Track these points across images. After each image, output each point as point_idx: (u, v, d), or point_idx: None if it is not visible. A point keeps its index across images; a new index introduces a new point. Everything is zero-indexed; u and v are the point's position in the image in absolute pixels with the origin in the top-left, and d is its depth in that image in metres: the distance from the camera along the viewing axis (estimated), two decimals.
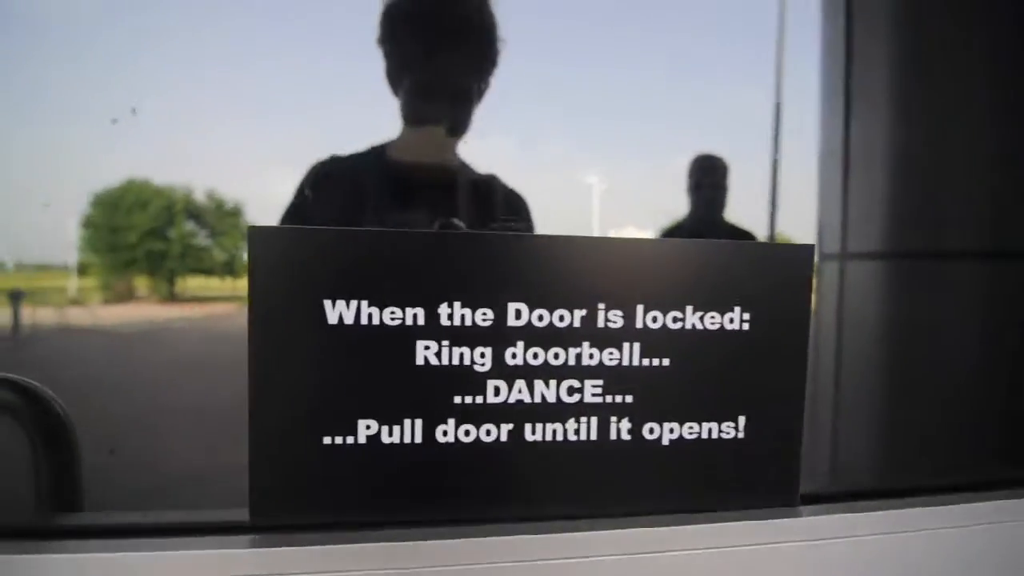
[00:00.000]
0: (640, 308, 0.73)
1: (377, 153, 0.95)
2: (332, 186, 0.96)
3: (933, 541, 0.82)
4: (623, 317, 0.73)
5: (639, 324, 0.73)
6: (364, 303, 0.68)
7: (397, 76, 0.93)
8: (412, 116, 0.94)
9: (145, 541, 0.68)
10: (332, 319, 0.68)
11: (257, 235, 0.67)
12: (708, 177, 1.11)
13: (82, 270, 0.79)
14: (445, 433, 0.71)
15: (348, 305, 0.68)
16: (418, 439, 0.70)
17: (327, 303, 0.68)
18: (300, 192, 0.95)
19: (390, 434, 0.70)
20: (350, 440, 0.69)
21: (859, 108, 1.03)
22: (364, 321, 0.68)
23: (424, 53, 0.95)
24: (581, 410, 0.73)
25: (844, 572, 0.80)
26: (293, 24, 0.84)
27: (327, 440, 0.69)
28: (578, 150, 0.91)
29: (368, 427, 0.69)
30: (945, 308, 1.05)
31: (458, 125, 0.95)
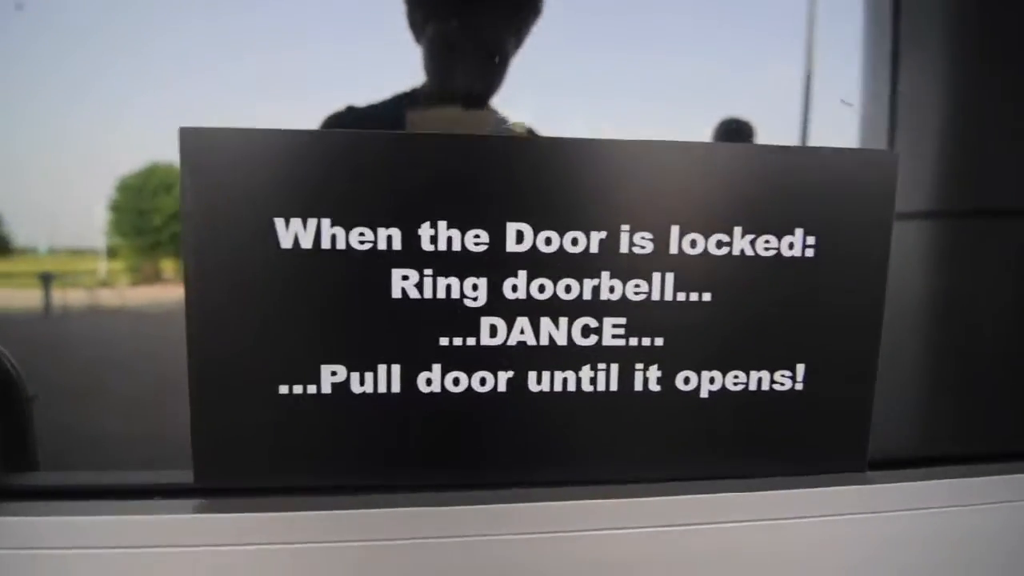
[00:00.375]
0: (675, 230, 0.58)
1: (398, 106, 0.81)
2: None
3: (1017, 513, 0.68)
4: (652, 241, 0.58)
5: (673, 250, 0.59)
6: (325, 222, 0.55)
7: (421, 23, 0.78)
8: (435, 68, 0.78)
9: (87, 504, 0.58)
10: (286, 242, 0.55)
11: (191, 138, 0.53)
12: (735, 140, 0.98)
13: (110, 253, 0.73)
14: (429, 382, 0.58)
15: (305, 225, 0.55)
16: (395, 388, 0.58)
17: (279, 222, 0.54)
18: None
19: (361, 382, 0.57)
20: (312, 390, 0.57)
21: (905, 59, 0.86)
22: (326, 244, 0.55)
23: None
24: (599, 355, 0.60)
25: (919, 549, 0.66)
26: (328, 5, 0.72)
27: (284, 389, 0.57)
28: (599, 121, 0.76)
29: (334, 374, 0.57)
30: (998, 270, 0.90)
31: (490, 80, 0.79)
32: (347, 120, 0.81)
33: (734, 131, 1.02)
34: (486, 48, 0.78)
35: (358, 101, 0.73)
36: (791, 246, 0.60)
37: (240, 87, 0.69)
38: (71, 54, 0.68)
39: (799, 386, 0.62)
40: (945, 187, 0.89)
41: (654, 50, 0.80)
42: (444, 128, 0.80)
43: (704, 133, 0.85)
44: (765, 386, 0.62)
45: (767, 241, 0.59)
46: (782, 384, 0.62)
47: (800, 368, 0.62)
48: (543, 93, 0.77)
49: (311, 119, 0.69)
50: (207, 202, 0.54)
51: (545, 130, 0.73)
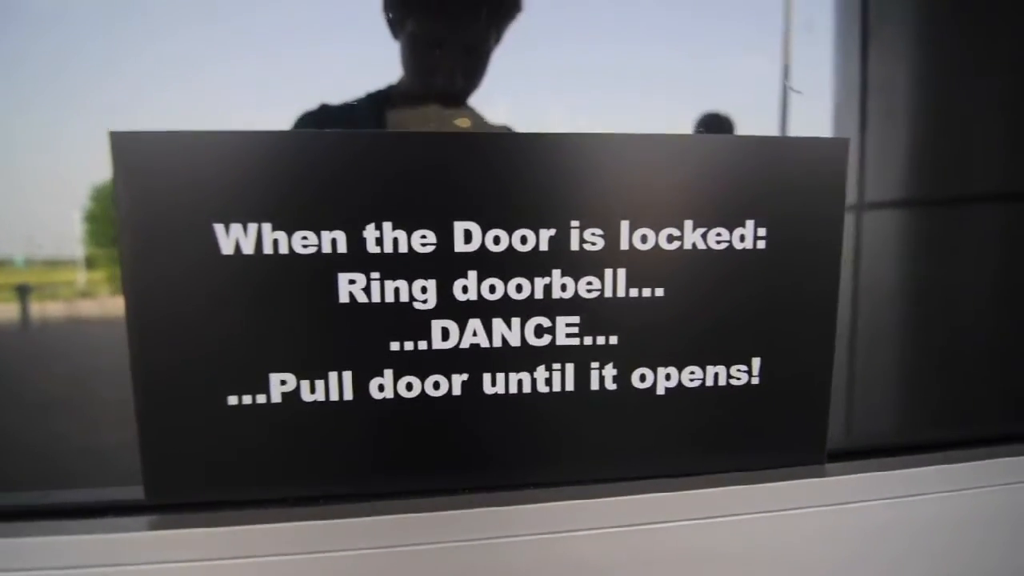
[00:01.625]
0: (625, 225, 0.58)
1: (373, 103, 0.80)
2: None
3: (980, 499, 0.68)
4: (603, 237, 0.58)
5: (624, 246, 0.58)
6: (266, 226, 0.54)
7: (399, 19, 0.76)
8: (414, 65, 0.77)
9: (36, 525, 0.57)
10: (226, 248, 0.53)
11: (123, 143, 0.52)
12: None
13: (88, 263, 0.71)
14: (381, 388, 0.57)
15: (246, 230, 0.53)
16: (347, 396, 0.57)
17: (218, 228, 0.53)
18: None
19: (311, 390, 0.56)
20: (261, 399, 0.56)
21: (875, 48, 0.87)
22: (268, 250, 0.54)
23: None
24: (553, 355, 0.59)
25: (882, 538, 0.66)
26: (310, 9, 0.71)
27: (232, 400, 0.55)
28: (579, 117, 0.75)
29: (283, 382, 0.56)
30: (972, 255, 0.91)
31: (471, 78, 0.78)
32: (321, 119, 0.79)
33: (714, 126, 1.01)
34: (466, 44, 0.77)
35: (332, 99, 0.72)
36: (742, 238, 0.59)
37: (220, 90, 0.68)
38: (47, 61, 0.67)
39: (755, 380, 0.62)
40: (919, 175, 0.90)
41: (629, 42, 0.79)
42: (423, 125, 0.79)
43: (681, 127, 0.84)
44: (721, 381, 0.61)
45: (718, 234, 0.59)
46: (738, 379, 0.61)
47: (756, 362, 0.61)
48: (521, 87, 0.76)
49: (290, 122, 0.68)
50: (143, 208, 0.52)
51: (522, 124, 0.73)
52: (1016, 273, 0.93)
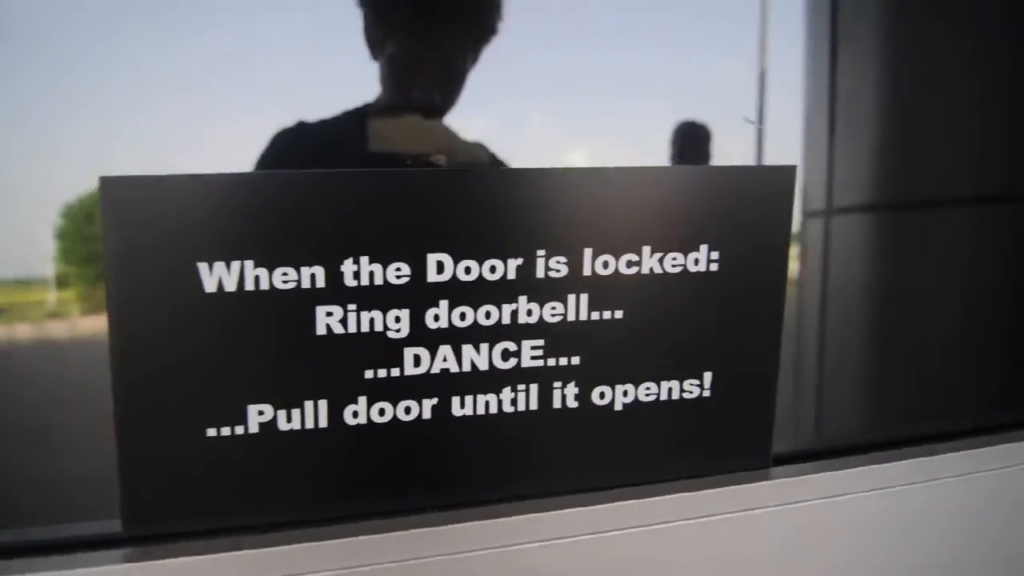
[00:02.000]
0: (588, 252, 0.61)
1: (353, 120, 0.80)
2: (299, 160, 0.79)
3: (917, 495, 0.74)
4: (567, 264, 0.61)
5: (587, 271, 0.61)
6: (248, 264, 0.55)
7: (378, 40, 0.77)
8: (393, 84, 0.78)
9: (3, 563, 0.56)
10: (210, 286, 0.54)
11: (110, 187, 0.52)
12: (690, 143, 1.02)
13: (60, 282, 0.69)
14: (355, 414, 0.59)
15: (228, 268, 0.55)
16: (323, 423, 0.58)
17: (202, 267, 0.54)
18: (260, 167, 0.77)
19: (288, 420, 0.58)
20: (239, 430, 0.57)
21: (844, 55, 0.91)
22: (250, 286, 0.55)
23: (411, 16, 0.79)
24: (518, 376, 0.62)
25: (824, 536, 0.72)
26: (290, 24, 0.71)
27: (211, 432, 0.57)
28: (558, 126, 0.78)
29: (261, 413, 0.57)
30: (929, 256, 0.97)
31: (447, 97, 0.80)
32: (298, 136, 0.80)
33: (691, 134, 1.04)
34: (445, 64, 0.80)
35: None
36: (696, 262, 0.63)
37: (198, 104, 0.68)
38: (16, 71, 0.65)
39: (707, 393, 0.66)
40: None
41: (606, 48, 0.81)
42: (401, 141, 0.80)
43: (658, 136, 0.87)
44: (675, 395, 0.65)
45: (674, 258, 0.63)
46: (691, 392, 0.66)
47: (707, 376, 0.66)
48: (499, 97, 0.78)
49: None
50: (130, 251, 0.53)
51: (503, 136, 0.75)
52: (975, 272, 0.99)
